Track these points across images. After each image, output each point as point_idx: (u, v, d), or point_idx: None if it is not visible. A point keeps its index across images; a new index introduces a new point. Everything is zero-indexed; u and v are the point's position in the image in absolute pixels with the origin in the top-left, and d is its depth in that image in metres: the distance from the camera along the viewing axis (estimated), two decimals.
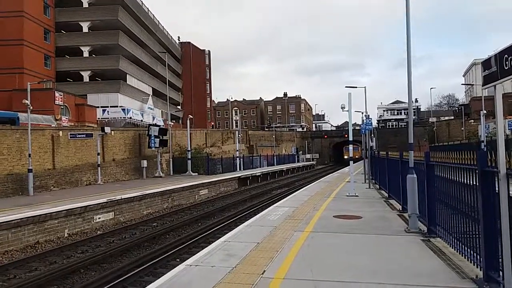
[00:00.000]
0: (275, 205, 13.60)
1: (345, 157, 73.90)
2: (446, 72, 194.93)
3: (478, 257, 5.40)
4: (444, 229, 7.19)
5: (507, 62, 4.36)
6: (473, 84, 62.25)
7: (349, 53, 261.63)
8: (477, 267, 5.49)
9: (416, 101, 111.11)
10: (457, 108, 73.10)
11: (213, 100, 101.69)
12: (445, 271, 5.78)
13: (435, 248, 7.08)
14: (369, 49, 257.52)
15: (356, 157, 45.86)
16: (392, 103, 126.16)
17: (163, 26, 68.98)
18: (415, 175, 8.70)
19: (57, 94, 37.29)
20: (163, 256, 11.25)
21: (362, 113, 27.37)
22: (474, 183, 5.48)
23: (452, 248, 6.71)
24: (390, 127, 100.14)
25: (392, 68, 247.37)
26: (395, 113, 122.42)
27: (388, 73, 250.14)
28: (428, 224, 8.12)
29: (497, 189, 4.78)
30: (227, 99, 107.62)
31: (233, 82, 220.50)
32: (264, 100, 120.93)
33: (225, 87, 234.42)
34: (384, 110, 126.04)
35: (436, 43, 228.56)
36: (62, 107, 38.24)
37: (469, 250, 5.84)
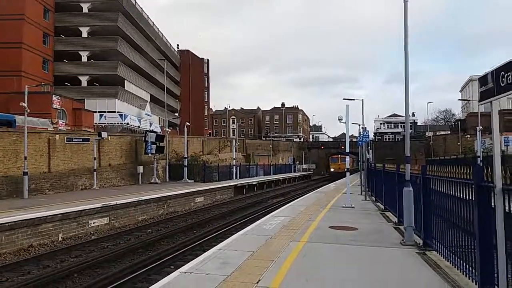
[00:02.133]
0: (271, 214, 13.59)
1: (332, 169, 65.85)
2: (441, 88, 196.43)
3: (474, 271, 5.42)
4: (440, 242, 7.21)
5: (503, 79, 4.43)
6: (469, 100, 62.74)
7: (344, 67, 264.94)
8: (472, 281, 5.51)
9: (413, 115, 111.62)
10: (453, 123, 73.58)
11: (211, 108, 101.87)
12: (440, 285, 5.80)
13: (430, 261, 7.10)
14: (363, 64, 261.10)
15: (345, 169, 41.62)
16: (389, 116, 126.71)
17: (162, 34, 69.26)
18: (411, 188, 8.75)
19: (54, 98, 37.22)
20: (157, 262, 11.19)
21: (359, 125, 27.49)
22: (470, 197, 5.52)
23: (448, 261, 6.73)
24: (387, 140, 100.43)
25: (385, 83, 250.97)
26: (392, 126, 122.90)
27: (382, 87, 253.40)
28: (424, 237, 8.14)
29: (493, 204, 4.82)
30: (225, 108, 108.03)
31: (230, 92, 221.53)
32: (262, 109, 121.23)
33: (221, 96, 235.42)
34: (381, 123, 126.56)
35: (429, 58, 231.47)
36: (59, 111, 38.14)
37: (464, 264, 5.87)
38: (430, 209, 7.82)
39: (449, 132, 69.72)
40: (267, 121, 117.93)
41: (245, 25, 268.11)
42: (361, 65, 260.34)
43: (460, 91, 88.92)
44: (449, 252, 6.66)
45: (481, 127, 33.05)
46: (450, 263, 6.62)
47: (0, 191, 19.84)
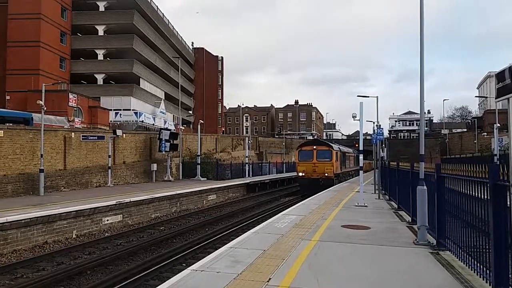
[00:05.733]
0: (282, 212, 13.54)
1: (300, 173, 30.13)
2: (457, 85, 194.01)
3: (488, 272, 5.29)
4: (454, 242, 7.07)
5: None
6: (487, 97, 61.60)
7: (354, 65, 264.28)
8: (486, 282, 5.38)
9: (429, 112, 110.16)
10: (470, 121, 72.35)
11: (224, 106, 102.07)
12: (454, 285, 5.68)
13: (443, 261, 6.97)
14: (373, 62, 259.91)
15: (327, 174, 27.88)
16: (404, 113, 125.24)
17: (177, 32, 69.59)
18: (425, 187, 8.60)
19: (71, 96, 37.80)
20: (169, 260, 11.26)
21: (374, 123, 27.23)
22: (486, 196, 5.39)
23: (462, 262, 6.60)
24: (402, 138, 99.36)
25: (395, 81, 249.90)
26: (407, 124, 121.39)
27: (392, 85, 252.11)
28: (438, 237, 8.00)
29: (508, 203, 4.70)
30: (238, 105, 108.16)
31: (241, 91, 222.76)
32: (275, 107, 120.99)
33: (232, 95, 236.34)
34: (396, 121, 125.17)
35: (445, 55, 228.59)
36: (76, 109, 38.72)
37: (479, 264, 5.74)
38: (444, 208, 7.68)
39: (465, 130, 68.59)
40: (280, 118, 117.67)
41: (254, 27, 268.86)
42: (370, 64, 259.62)
43: (478, 87, 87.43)
44: (463, 252, 6.53)
45: (498, 125, 32.37)
46: (464, 263, 6.48)
47: (17, 188, 20.19)
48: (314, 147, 29.27)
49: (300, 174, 29.51)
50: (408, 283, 5.82)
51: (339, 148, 31.60)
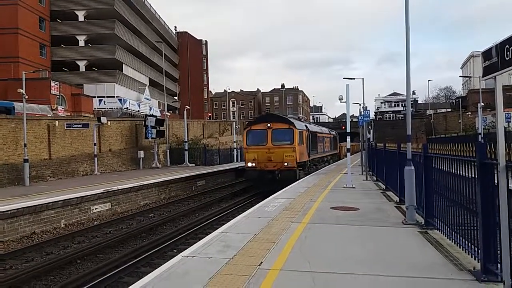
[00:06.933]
0: (272, 196, 13.58)
1: (250, 163, 21.33)
2: (439, 66, 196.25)
3: (476, 249, 5.38)
4: (442, 221, 7.18)
5: (508, 53, 4.29)
6: (470, 77, 62.23)
7: (338, 49, 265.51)
8: (475, 259, 5.48)
9: (414, 93, 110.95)
10: (454, 101, 73.20)
11: (210, 91, 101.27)
12: (443, 263, 5.78)
13: (432, 240, 7.08)
14: (356, 45, 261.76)
15: (286, 163, 20.15)
16: (390, 95, 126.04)
17: (159, 16, 68.39)
18: (412, 167, 8.69)
19: (53, 84, 36.99)
20: (160, 247, 11.25)
21: (360, 104, 27.32)
22: (473, 175, 5.45)
23: (450, 240, 6.71)
24: (388, 119, 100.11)
25: (378, 63, 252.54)
26: (393, 105, 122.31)
27: (375, 68, 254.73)
28: (426, 216, 8.11)
29: (496, 181, 4.75)
30: (224, 90, 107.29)
31: (225, 76, 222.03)
32: (262, 91, 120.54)
33: (217, 80, 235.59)
34: (381, 102, 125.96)
35: (429, 36, 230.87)
36: (58, 96, 37.94)
37: (467, 242, 5.83)
38: (432, 187, 7.77)
39: (449, 110, 69.40)
40: (267, 102, 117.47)
41: (238, 12, 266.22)
42: (352, 47, 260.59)
43: (461, 68, 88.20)
44: (451, 231, 6.63)
45: (482, 104, 32.83)
46: (452, 242, 6.59)
47: (1, 179, 19.84)
48: (269, 125, 20.57)
49: (249, 164, 20.79)
50: (399, 262, 5.89)
51: (306, 126, 23.92)
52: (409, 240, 7.19)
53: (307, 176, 21.18)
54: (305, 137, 21.67)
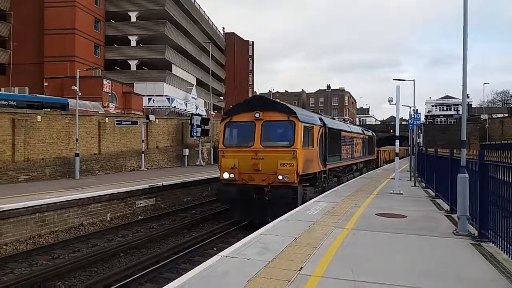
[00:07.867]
0: (314, 199, 13.29)
1: (224, 175, 13.34)
2: (495, 69, 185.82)
3: None
4: (498, 234, 6.67)
5: None
6: None
7: (385, 51, 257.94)
8: None
9: (468, 96, 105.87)
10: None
11: (255, 91, 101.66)
12: (498, 279, 5.33)
13: (486, 253, 6.59)
14: (404, 47, 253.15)
15: (280, 176, 12.37)
16: (442, 98, 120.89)
17: (208, 17, 69.40)
18: (467, 175, 8.15)
19: (105, 82, 38.50)
20: (200, 244, 11.30)
21: (410, 107, 26.30)
22: None
23: (507, 254, 6.21)
24: (439, 123, 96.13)
25: (427, 65, 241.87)
26: (445, 109, 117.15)
27: (424, 70, 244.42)
28: (479, 228, 7.58)
29: None
30: (269, 90, 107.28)
31: (270, 77, 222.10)
32: (306, 92, 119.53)
33: (261, 81, 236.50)
34: (432, 105, 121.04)
35: (484, 38, 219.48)
36: (110, 94, 39.44)
37: None
38: (487, 197, 7.25)
39: (506, 115, 65.55)
40: (312, 103, 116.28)
41: (283, 13, 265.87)
42: (401, 49, 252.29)
43: None
44: (508, 245, 6.13)
45: None
46: (509, 256, 6.10)
47: (54, 172, 20.81)
48: (257, 114, 13.21)
49: (226, 175, 13.31)
50: (449, 276, 5.50)
51: (320, 119, 16.20)
52: (461, 253, 6.73)
53: (354, 179, 20.62)
54: (318, 135, 14.68)
